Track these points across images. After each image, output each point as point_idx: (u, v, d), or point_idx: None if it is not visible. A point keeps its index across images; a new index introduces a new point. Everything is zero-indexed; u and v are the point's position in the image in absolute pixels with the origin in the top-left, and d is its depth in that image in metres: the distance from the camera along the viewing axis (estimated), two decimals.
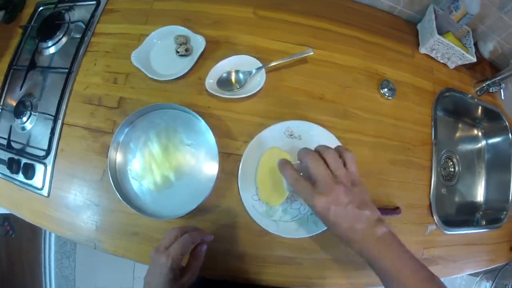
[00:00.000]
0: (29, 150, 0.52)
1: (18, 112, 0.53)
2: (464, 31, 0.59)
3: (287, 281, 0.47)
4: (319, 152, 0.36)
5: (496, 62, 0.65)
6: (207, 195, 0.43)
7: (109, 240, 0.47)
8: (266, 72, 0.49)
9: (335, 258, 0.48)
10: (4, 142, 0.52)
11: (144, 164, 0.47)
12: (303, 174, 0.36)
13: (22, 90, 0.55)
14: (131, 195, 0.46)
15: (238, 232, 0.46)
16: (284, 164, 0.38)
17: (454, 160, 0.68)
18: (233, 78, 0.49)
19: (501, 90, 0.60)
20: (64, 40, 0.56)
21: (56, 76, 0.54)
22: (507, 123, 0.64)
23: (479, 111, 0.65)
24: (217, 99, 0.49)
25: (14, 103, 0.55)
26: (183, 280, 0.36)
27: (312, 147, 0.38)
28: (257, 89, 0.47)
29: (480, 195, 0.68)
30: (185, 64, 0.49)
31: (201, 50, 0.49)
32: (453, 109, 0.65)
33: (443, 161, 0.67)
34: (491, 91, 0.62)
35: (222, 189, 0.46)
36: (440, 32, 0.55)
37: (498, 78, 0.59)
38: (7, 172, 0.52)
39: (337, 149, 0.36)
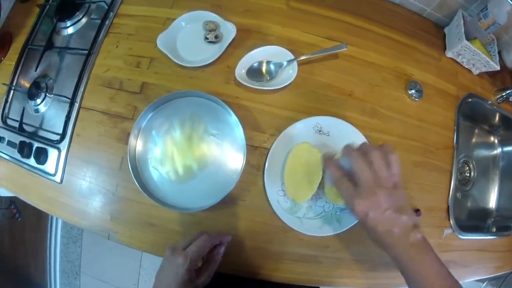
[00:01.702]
0: (42, 133, 0.47)
1: (32, 93, 0.48)
2: (490, 38, 0.57)
3: (304, 278, 0.44)
4: (365, 151, 0.34)
5: None
6: (232, 188, 0.39)
7: (124, 230, 0.43)
8: (298, 65, 0.44)
9: (356, 257, 0.45)
10: (16, 124, 0.47)
11: (166, 153, 0.42)
12: (345, 171, 0.35)
13: (37, 71, 0.50)
14: (150, 185, 0.42)
15: (260, 227, 0.43)
16: (328, 159, 0.37)
17: (471, 165, 0.65)
18: (263, 69, 0.45)
19: None
20: (84, 20, 0.51)
21: (74, 58, 0.49)
22: None
23: (497, 118, 0.62)
24: (245, 90, 0.45)
25: (28, 84, 0.49)
26: (198, 281, 0.33)
27: (340, 145, 0.36)
28: (289, 82, 0.44)
29: (492, 202, 0.65)
30: (213, 52, 0.45)
31: (231, 38, 0.45)
32: (472, 114, 0.62)
33: (460, 165, 0.64)
34: (511, 100, 0.59)
35: (247, 183, 0.42)
36: (467, 38, 0.52)
37: None
38: (18, 156, 0.47)
39: (382, 149, 0.34)
